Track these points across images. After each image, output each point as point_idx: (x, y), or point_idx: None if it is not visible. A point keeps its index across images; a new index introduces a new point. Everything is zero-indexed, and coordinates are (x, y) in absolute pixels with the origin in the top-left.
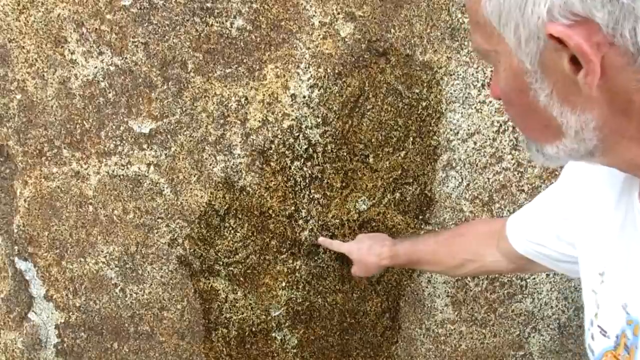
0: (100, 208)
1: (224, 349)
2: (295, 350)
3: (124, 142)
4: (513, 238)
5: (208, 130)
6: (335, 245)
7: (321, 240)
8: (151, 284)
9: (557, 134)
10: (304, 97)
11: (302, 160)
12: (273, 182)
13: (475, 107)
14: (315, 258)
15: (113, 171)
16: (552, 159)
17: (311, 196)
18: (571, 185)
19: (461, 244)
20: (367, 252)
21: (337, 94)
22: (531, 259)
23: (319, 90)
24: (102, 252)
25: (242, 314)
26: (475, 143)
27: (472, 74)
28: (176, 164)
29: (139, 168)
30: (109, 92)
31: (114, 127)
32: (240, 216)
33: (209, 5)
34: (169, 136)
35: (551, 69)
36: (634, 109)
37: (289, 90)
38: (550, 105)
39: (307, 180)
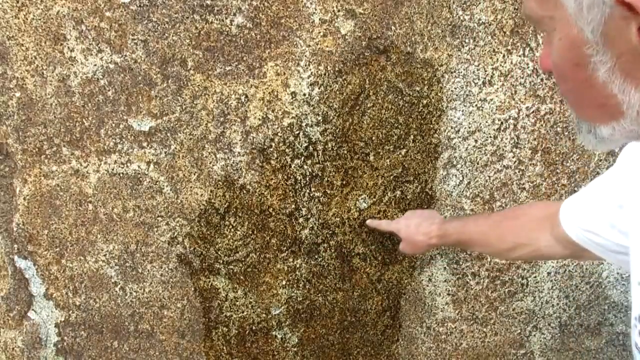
0: (100, 206)
1: (224, 348)
2: (295, 349)
3: (123, 140)
4: (566, 224)
5: (208, 128)
6: (384, 225)
7: (369, 222)
8: (151, 283)
9: (614, 113)
10: (304, 94)
11: (303, 158)
12: (273, 180)
13: (476, 105)
14: (316, 256)
15: (113, 169)
16: (604, 142)
17: (311, 194)
18: (628, 171)
19: (514, 227)
20: (416, 230)
21: (337, 92)
22: (583, 247)
23: (319, 88)
24: (102, 250)
25: (243, 312)
26: (476, 141)
27: (473, 72)
28: (176, 162)
29: (139, 166)
30: (109, 90)
31: (113, 125)
32: (240, 214)
33: (208, 2)
34: (168, 134)
35: (615, 39)
36: None
37: (289, 88)
38: (610, 81)
39: (307, 179)
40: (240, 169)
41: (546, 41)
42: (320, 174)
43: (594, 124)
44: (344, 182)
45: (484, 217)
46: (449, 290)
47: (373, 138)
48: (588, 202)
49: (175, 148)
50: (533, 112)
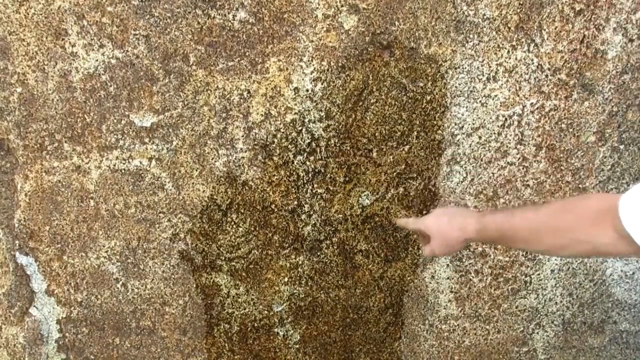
0: (102, 202)
1: (226, 345)
2: (297, 346)
3: (125, 136)
4: (628, 221)
5: (210, 124)
6: (411, 223)
7: (398, 221)
8: (153, 279)
9: None
10: (307, 90)
11: (305, 154)
12: (275, 177)
13: (480, 101)
14: (318, 253)
15: (114, 165)
16: None
17: (314, 191)
18: None
19: (569, 221)
20: (449, 225)
21: (340, 88)
22: None
23: (322, 84)
24: (104, 246)
25: (244, 309)
26: (479, 137)
27: (477, 68)
28: (178, 158)
29: (141, 162)
30: (110, 86)
31: (115, 120)
32: (242, 211)
33: None
34: (170, 130)
35: None
36: None
37: (292, 84)
38: None
39: (310, 175)
40: (243, 165)
41: None
42: (322, 171)
43: None
44: (347, 179)
45: (532, 211)
46: (451, 288)
47: (376, 134)
48: None
49: (177, 144)
50: (537, 108)
